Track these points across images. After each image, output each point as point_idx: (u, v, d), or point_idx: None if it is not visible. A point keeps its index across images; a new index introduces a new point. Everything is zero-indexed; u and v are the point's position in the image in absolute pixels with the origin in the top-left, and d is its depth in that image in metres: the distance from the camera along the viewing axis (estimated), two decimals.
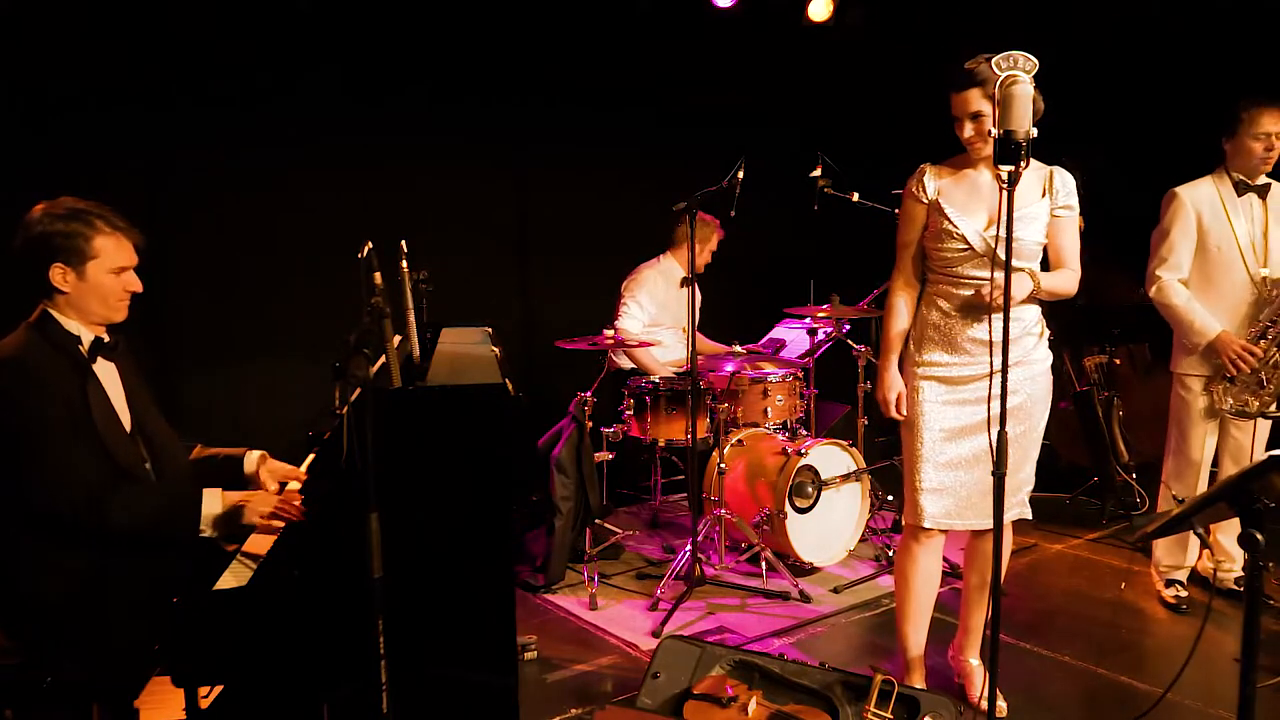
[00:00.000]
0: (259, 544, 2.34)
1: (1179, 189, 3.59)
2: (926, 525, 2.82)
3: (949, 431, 2.80)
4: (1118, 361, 4.98)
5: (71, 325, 2.26)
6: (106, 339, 2.31)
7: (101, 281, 2.24)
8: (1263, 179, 3.53)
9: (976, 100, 2.60)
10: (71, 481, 2.14)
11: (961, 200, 2.75)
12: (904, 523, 2.96)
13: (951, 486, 2.82)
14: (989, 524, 2.81)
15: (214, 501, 2.25)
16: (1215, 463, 3.70)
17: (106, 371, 2.32)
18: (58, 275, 2.20)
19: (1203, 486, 3.62)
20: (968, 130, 2.68)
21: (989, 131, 2.35)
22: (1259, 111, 3.43)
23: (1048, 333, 2.89)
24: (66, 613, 2.18)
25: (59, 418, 2.15)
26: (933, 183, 2.79)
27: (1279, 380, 3.40)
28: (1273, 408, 3.48)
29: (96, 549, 2.19)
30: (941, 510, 2.82)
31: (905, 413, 2.85)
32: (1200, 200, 3.54)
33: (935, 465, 2.80)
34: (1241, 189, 3.51)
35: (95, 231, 2.22)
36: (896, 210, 2.96)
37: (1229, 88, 3.61)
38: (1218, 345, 3.46)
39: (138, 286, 2.31)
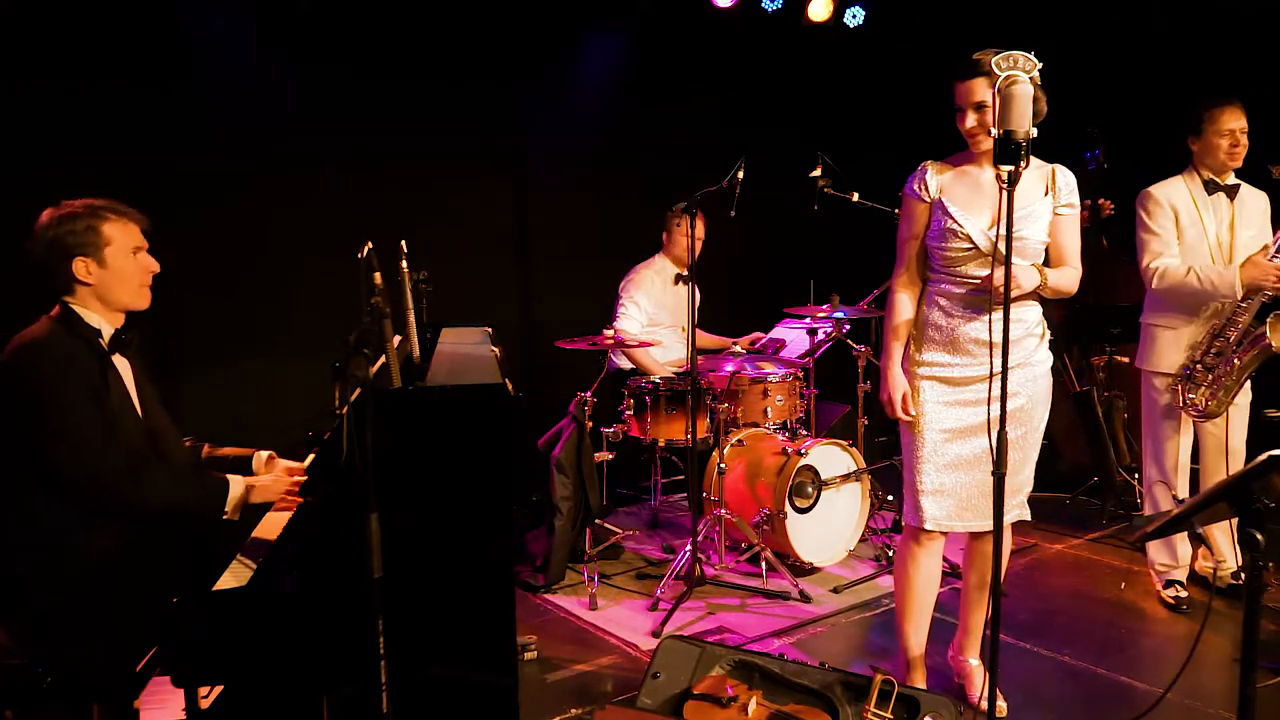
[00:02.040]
0: (261, 540, 2.35)
1: (1152, 188, 3.61)
2: (929, 527, 2.81)
3: (950, 432, 2.79)
4: (1124, 360, 4.94)
5: (93, 319, 2.35)
6: (125, 335, 2.41)
7: (122, 265, 2.34)
8: (1232, 179, 3.54)
9: (981, 90, 2.58)
10: (104, 450, 2.23)
11: (964, 198, 2.73)
12: (904, 524, 2.94)
13: (952, 488, 2.80)
14: (988, 525, 2.80)
15: (237, 485, 2.38)
16: (1196, 460, 3.71)
17: (120, 365, 2.40)
18: (80, 268, 2.30)
19: (1183, 486, 3.63)
20: (970, 120, 2.65)
21: (990, 130, 2.34)
22: (1220, 110, 3.47)
23: (1048, 334, 2.89)
24: (68, 611, 2.19)
25: (85, 396, 2.24)
26: (935, 181, 2.77)
27: (1230, 383, 3.41)
28: (1235, 403, 3.50)
29: (111, 535, 2.25)
30: (943, 512, 2.81)
31: (911, 413, 2.83)
32: (1175, 198, 3.56)
33: (936, 466, 2.79)
34: (1211, 188, 3.53)
35: (102, 220, 2.33)
36: (897, 210, 2.95)
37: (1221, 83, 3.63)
38: (1248, 276, 3.38)
39: (155, 267, 2.43)
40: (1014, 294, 2.65)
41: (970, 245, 2.69)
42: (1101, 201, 4.86)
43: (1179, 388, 3.52)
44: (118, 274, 2.34)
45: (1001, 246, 2.30)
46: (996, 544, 2.33)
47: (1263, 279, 3.38)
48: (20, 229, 2.32)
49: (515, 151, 5.26)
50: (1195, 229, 3.52)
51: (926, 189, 2.77)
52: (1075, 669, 3.24)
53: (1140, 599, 3.81)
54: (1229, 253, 3.50)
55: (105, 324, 2.36)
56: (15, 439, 2.23)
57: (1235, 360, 3.39)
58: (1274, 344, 3.33)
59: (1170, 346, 3.57)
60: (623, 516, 4.95)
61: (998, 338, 2.50)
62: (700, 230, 4.74)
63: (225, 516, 2.36)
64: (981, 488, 2.78)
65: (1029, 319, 2.80)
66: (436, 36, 4.81)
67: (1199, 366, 3.47)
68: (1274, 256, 3.39)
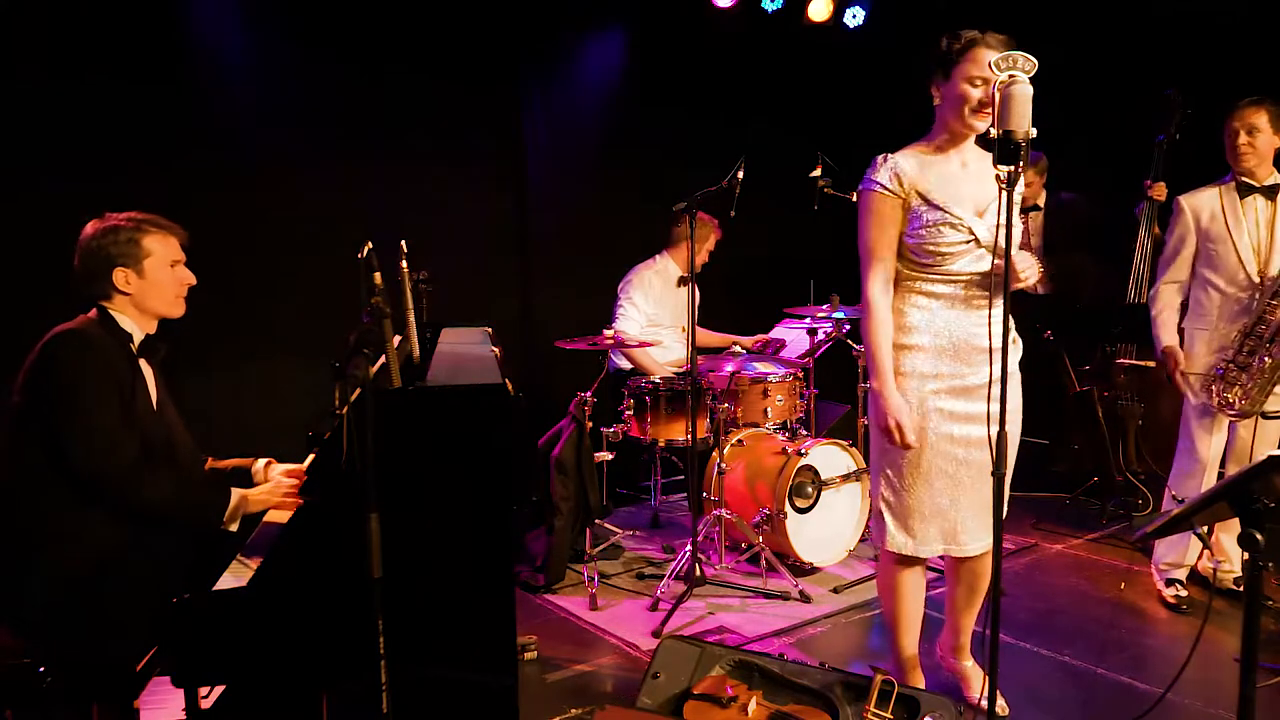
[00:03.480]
0: (261, 540, 2.35)
1: (1182, 197, 3.66)
2: (923, 555, 2.71)
3: (943, 449, 2.65)
4: (1151, 364, 4.90)
5: (126, 323, 2.43)
6: (155, 343, 2.48)
7: (160, 277, 2.44)
8: (1273, 179, 3.53)
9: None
10: (116, 447, 2.27)
11: (944, 190, 2.58)
12: (887, 549, 2.75)
13: (946, 509, 2.67)
14: (981, 548, 2.73)
15: (234, 497, 2.42)
16: (1223, 463, 3.71)
17: (146, 370, 2.47)
18: (120, 278, 2.39)
19: (1209, 485, 3.62)
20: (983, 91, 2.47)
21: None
22: (1234, 109, 3.51)
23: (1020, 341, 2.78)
24: (69, 611, 2.19)
25: (111, 391, 2.30)
26: (907, 174, 2.59)
27: (1263, 381, 3.41)
28: (1270, 407, 3.49)
29: (113, 532, 2.27)
30: (935, 536, 2.69)
31: (915, 441, 2.59)
32: (1200, 206, 3.59)
33: (931, 486, 2.66)
34: (1245, 190, 3.53)
35: (143, 234, 2.43)
36: None
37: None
38: (1163, 355, 3.66)
39: (192, 279, 2.51)
40: (1022, 285, 2.58)
41: (969, 239, 2.57)
42: (1154, 187, 4.47)
43: (1214, 387, 3.53)
44: (155, 285, 2.43)
45: (1002, 240, 2.25)
46: (997, 542, 2.31)
47: (1165, 363, 3.64)
48: (16, 229, 2.32)
49: (515, 151, 5.26)
50: (1220, 234, 3.53)
51: (900, 182, 2.59)
52: (1075, 669, 3.24)
53: (1140, 599, 3.81)
54: (1267, 254, 3.48)
55: (137, 330, 2.45)
56: (36, 426, 2.27)
57: (1267, 358, 3.39)
58: None
59: (1204, 347, 3.59)
60: (623, 516, 4.95)
61: (996, 343, 2.46)
62: (711, 242, 4.75)
63: (223, 527, 2.39)
64: (975, 506, 2.67)
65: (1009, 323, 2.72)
66: (437, 36, 4.81)
67: (1232, 365, 3.48)
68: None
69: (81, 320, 2.38)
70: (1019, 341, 2.72)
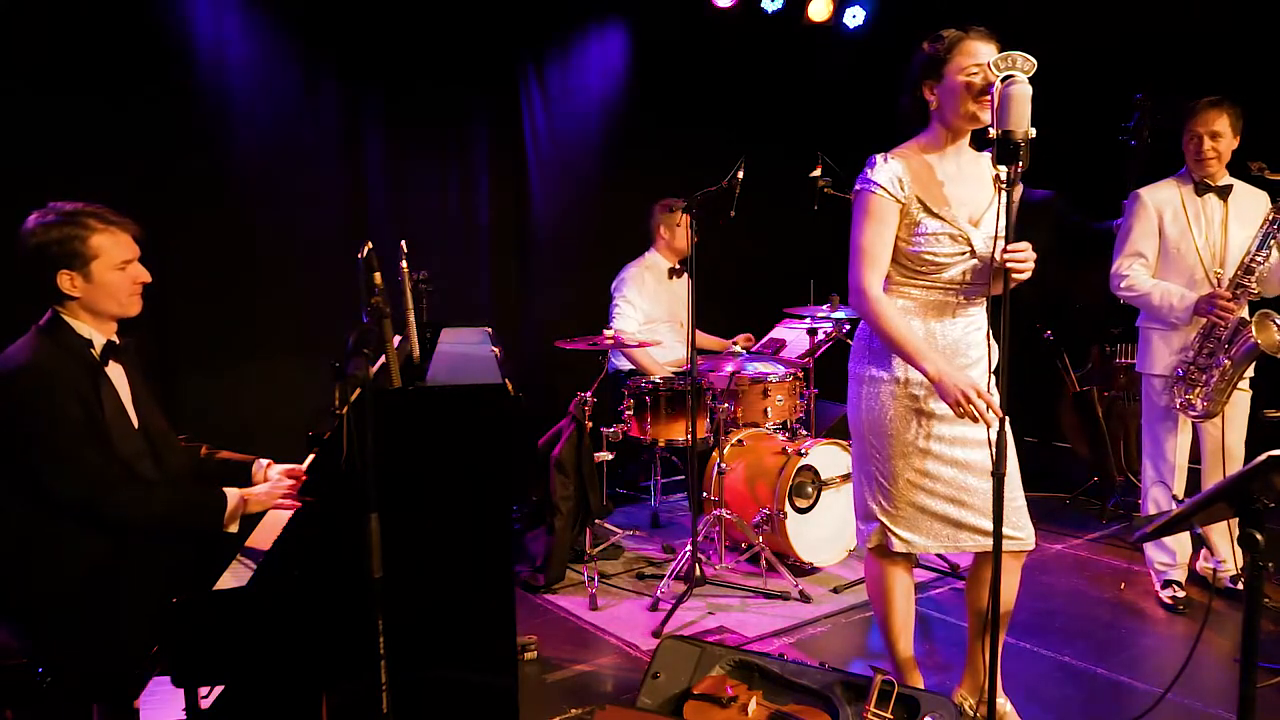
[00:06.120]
0: (261, 540, 2.35)
1: (1141, 190, 3.63)
2: (932, 549, 2.69)
3: (939, 451, 2.62)
4: None
5: (83, 329, 2.27)
6: (118, 341, 2.34)
7: (109, 279, 2.26)
8: (1225, 179, 3.53)
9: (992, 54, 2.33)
10: (89, 471, 2.18)
11: (939, 196, 2.55)
12: (875, 544, 2.73)
13: (951, 513, 2.65)
14: (977, 546, 2.70)
15: (233, 498, 2.33)
16: (1196, 460, 3.71)
17: (115, 373, 2.34)
18: (65, 282, 2.22)
19: (1180, 486, 3.63)
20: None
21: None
22: (1196, 111, 3.49)
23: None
24: (69, 612, 2.19)
25: (76, 418, 2.18)
26: (906, 176, 2.54)
27: (1225, 381, 3.41)
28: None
29: (110, 540, 2.23)
30: (939, 536, 2.66)
31: (999, 411, 2.37)
32: (1162, 202, 3.58)
33: (930, 489, 2.63)
34: (1201, 190, 3.53)
35: (90, 231, 2.23)
36: None
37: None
38: (1199, 309, 3.43)
39: (146, 277, 2.33)
40: (1020, 278, 2.57)
41: (965, 249, 2.54)
42: None
43: (1174, 389, 3.53)
44: (104, 288, 2.25)
45: (999, 248, 2.27)
46: (996, 540, 2.31)
47: (1205, 310, 3.40)
48: (13, 234, 2.29)
49: (515, 151, 5.26)
50: (1181, 233, 3.52)
51: (902, 186, 2.53)
52: (1075, 669, 3.24)
53: (1140, 599, 3.81)
54: (1221, 254, 3.49)
55: (97, 334, 2.29)
56: (8, 459, 2.20)
57: (1226, 360, 3.39)
58: (1259, 341, 3.31)
59: (1164, 348, 3.57)
60: (623, 516, 4.95)
61: (981, 351, 2.50)
62: (685, 225, 4.74)
63: (227, 530, 2.32)
64: (988, 503, 2.61)
65: (985, 324, 2.68)
66: (437, 35, 4.81)
67: (1192, 367, 3.48)
68: (1254, 258, 3.38)
69: (30, 339, 2.23)
70: (995, 346, 2.65)
